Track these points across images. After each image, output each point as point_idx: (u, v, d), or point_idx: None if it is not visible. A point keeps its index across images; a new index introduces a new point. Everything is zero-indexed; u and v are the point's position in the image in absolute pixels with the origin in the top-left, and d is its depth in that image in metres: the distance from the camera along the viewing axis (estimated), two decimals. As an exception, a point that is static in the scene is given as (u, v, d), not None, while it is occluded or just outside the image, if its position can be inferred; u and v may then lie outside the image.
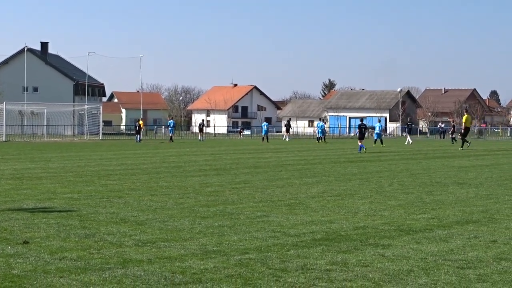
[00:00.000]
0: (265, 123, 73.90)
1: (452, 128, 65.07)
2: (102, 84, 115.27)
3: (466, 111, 48.54)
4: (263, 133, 68.79)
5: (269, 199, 15.71)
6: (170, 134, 67.51)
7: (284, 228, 11.58)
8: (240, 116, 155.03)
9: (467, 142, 45.62)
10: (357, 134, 43.82)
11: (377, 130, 53.83)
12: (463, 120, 45.71)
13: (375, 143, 52.06)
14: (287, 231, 11.29)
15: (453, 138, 61.86)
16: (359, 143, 41.54)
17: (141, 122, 70.11)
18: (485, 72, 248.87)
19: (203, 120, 76.58)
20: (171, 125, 69.00)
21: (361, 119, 45.89)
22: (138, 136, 65.16)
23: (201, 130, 70.41)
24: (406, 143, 57.65)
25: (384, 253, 9.58)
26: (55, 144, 55.46)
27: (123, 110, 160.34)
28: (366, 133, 44.51)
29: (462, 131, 46.22)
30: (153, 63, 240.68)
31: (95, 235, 10.82)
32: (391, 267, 8.75)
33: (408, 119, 77.95)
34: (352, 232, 11.30)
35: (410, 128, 65.24)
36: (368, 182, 20.14)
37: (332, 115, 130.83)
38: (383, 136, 60.72)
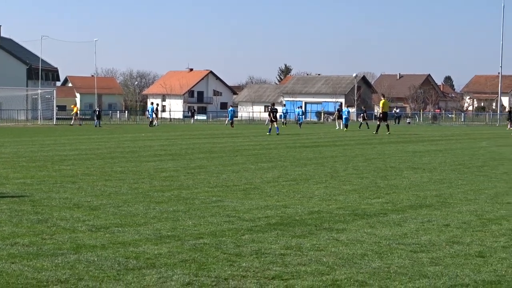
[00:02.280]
0: (231, 108, 73.61)
1: (363, 114, 65.59)
2: (56, 68, 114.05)
3: (383, 96, 49.17)
4: (229, 118, 68.78)
5: (224, 184, 15.68)
6: (150, 119, 67.45)
7: (239, 213, 11.57)
8: (196, 101, 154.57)
9: (387, 130, 45.61)
10: (268, 118, 47.09)
11: (345, 115, 55.56)
12: (380, 105, 46.77)
13: (347, 128, 53.19)
14: (242, 216, 11.28)
15: (366, 123, 62.16)
16: (270, 126, 44.91)
17: (73, 106, 70.70)
18: (439, 58, 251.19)
19: (157, 105, 76.28)
20: (150, 110, 68.88)
21: (272, 104, 49.48)
22: (99, 121, 65.59)
23: (156, 114, 70.24)
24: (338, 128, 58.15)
25: (339, 238, 9.61)
26: (8, 129, 54.79)
27: (78, 95, 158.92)
28: (284, 118, 46.49)
29: (380, 115, 46.87)
30: (108, 47, 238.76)
31: (47, 221, 10.70)
32: (345, 251, 8.78)
33: (362, 107, 78.12)
34: (307, 216, 11.33)
35: (365, 114, 65.66)
36: (323, 167, 20.20)
37: (288, 100, 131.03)
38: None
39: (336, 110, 66.73)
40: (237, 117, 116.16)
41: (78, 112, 70.94)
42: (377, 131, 45.94)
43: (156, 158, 23.38)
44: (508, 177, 17.74)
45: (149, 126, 64.15)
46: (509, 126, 63.03)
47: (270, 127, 45.19)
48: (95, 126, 64.35)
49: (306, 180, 16.66)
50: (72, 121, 69.52)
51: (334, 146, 31.22)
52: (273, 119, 45.42)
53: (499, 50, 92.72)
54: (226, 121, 70.75)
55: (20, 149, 27.81)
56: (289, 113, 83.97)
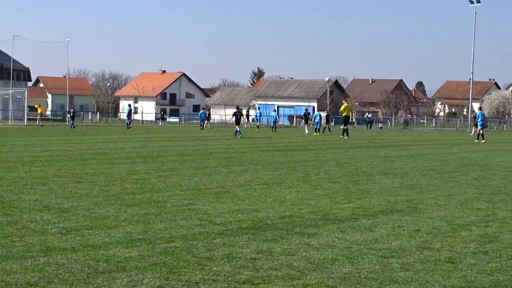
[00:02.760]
0: (202, 110, 73.89)
1: (326, 118, 66.20)
2: (28, 68, 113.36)
3: (345, 100, 49.40)
4: (200, 121, 69.08)
5: (196, 187, 15.66)
6: (128, 121, 67.16)
7: (210, 217, 11.55)
8: (169, 103, 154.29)
9: (346, 135, 45.83)
10: (234, 120, 48.47)
11: (317, 119, 56.20)
12: (342, 108, 46.83)
13: (320, 131, 53.55)
14: (214, 220, 11.26)
15: (329, 128, 62.95)
16: (236, 128, 45.79)
17: (37, 106, 70.57)
18: (411, 63, 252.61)
19: (162, 111, 76.76)
20: (127, 112, 68.54)
21: (237, 107, 50.98)
22: (73, 122, 65.85)
23: (162, 118, 70.70)
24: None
25: (310, 242, 9.62)
26: (-21, 129, 54.29)
27: (49, 96, 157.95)
28: (242, 119, 49.37)
29: (344, 119, 47.17)
30: (81, 48, 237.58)
31: (17, 223, 10.61)
32: (316, 255, 8.79)
33: (326, 111, 78.17)
34: (278, 221, 11.33)
35: (328, 118, 66.29)
36: (295, 171, 20.23)
37: (260, 104, 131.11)
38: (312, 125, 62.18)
39: (303, 114, 67.01)
40: (209, 119, 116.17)
41: (43, 112, 70.95)
42: (347, 135, 45.96)
43: (127, 160, 23.28)
44: (478, 183, 17.87)
45: (127, 128, 63.88)
46: (473, 132, 63.34)
47: (237, 129, 46.03)
48: (70, 127, 64.53)
49: (278, 184, 16.68)
50: (37, 121, 69.40)
51: (306, 150, 31.28)
52: (237, 122, 46.99)
53: (471, 56, 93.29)
54: (207, 124, 70.95)
55: (-10, 150, 27.57)
56: (262, 116, 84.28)
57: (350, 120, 49.30)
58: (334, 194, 14.98)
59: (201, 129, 65.36)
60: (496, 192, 15.89)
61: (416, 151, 32.08)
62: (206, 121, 70.22)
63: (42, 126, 67.23)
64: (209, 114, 67.35)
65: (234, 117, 47.84)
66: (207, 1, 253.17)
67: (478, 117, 48.33)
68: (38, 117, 70.46)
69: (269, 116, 76.70)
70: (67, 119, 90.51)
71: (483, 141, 45.11)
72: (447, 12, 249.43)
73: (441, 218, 11.95)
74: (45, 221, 10.84)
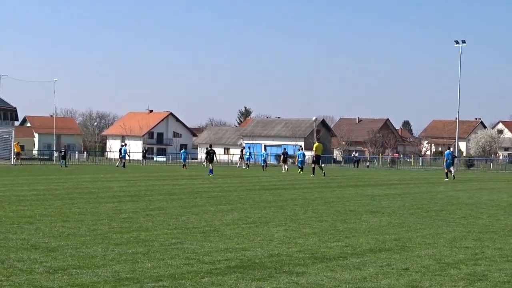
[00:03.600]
0: (183, 150, 74.68)
1: (283, 156, 67.03)
2: (15, 108, 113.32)
3: (318, 140, 50.66)
4: (182, 159, 69.58)
5: (184, 226, 15.61)
6: (123, 160, 67.27)
7: (198, 256, 11.51)
8: (156, 142, 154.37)
9: (312, 173, 47.50)
10: (207, 159, 50.09)
11: (300, 158, 56.40)
12: (314, 148, 48.51)
13: (301, 171, 53.53)
14: (202, 259, 11.22)
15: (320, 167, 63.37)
16: (210, 167, 47.38)
17: (14, 144, 70.30)
18: (398, 103, 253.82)
19: (144, 148, 76.37)
20: (123, 151, 68.37)
21: (210, 145, 52.93)
22: (64, 161, 65.99)
23: (144, 156, 70.43)
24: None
25: (298, 281, 9.59)
26: (-35, 169, 54.07)
27: (36, 135, 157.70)
28: (215, 158, 50.75)
29: (314, 159, 48.79)
30: (68, 87, 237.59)
31: (4, 262, 10.54)
32: (305, 294, 8.75)
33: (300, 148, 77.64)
34: (267, 259, 11.30)
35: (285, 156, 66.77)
36: (283, 210, 20.21)
37: (247, 143, 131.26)
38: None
39: (281, 153, 67.57)
40: (196, 159, 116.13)
41: (19, 151, 70.80)
42: (313, 173, 47.65)
43: (115, 199, 23.21)
44: (466, 221, 17.89)
45: (123, 167, 63.68)
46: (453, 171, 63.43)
47: (210, 168, 47.60)
48: (61, 166, 64.84)
49: (266, 223, 16.64)
50: (13, 160, 69.00)
51: (293, 189, 31.27)
52: (209, 160, 48.40)
53: (457, 96, 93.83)
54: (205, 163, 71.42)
55: (-24, 189, 27.45)
56: (252, 156, 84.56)
57: (322, 159, 49.91)
58: (322, 232, 14.95)
59: (184, 168, 65.50)
60: (484, 231, 15.90)
61: (404, 190, 32.12)
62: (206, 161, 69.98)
63: (21, 165, 66.48)
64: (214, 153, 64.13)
65: (207, 155, 49.55)
66: (193, 41, 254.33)
67: (446, 156, 48.97)
68: (16, 156, 69.63)
69: (256, 155, 77.38)
70: (54, 158, 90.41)
71: (446, 179, 45.66)
72: (433, 52, 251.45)
73: (429, 256, 11.95)
74: (32, 260, 10.77)
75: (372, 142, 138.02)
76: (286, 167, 64.17)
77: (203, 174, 48.71)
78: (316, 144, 48.25)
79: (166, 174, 47.98)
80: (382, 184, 38.05)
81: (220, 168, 69.17)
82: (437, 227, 16.55)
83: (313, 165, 48.75)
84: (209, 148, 50.69)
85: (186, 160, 71.19)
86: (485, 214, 20.28)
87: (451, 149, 52.91)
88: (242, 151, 78.09)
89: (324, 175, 47.09)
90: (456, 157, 70.40)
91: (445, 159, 49.33)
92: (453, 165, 65.15)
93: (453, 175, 47.31)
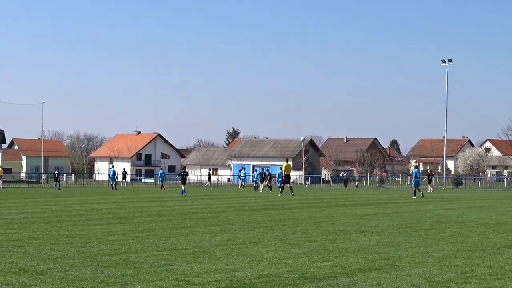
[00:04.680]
0: (161, 171, 75.52)
1: (269, 176, 67.58)
2: (2, 130, 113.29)
3: (287, 160, 52.52)
4: (160, 181, 70.30)
5: (173, 248, 15.56)
6: (112, 182, 67.34)
7: (188, 277, 11.48)
8: (144, 164, 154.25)
9: (291, 191, 49.75)
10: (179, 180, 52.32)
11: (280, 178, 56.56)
12: (283, 168, 50.27)
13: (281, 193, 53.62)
14: (191, 280, 11.19)
15: (269, 186, 64.70)
16: (182, 187, 48.77)
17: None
18: (385, 122, 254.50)
19: (124, 169, 76.37)
20: (112, 173, 68.45)
21: (184, 167, 53.62)
22: (57, 183, 66.56)
23: (124, 177, 70.59)
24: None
25: (289, 301, 9.57)
26: (-48, 192, 53.83)
27: (24, 158, 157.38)
28: (187, 179, 51.49)
29: (283, 178, 50.47)
30: (55, 110, 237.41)
31: (-7, 286, 10.49)
32: (296, 315, 8.74)
33: (267, 169, 77.50)
34: (257, 280, 11.27)
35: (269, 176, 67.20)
36: (272, 230, 20.18)
37: (236, 163, 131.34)
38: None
39: (259, 173, 68.09)
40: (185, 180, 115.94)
41: (1, 174, 71.29)
42: (281, 192, 49.51)
43: (103, 221, 23.14)
44: (455, 240, 17.91)
45: (112, 189, 63.89)
46: (428, 190, 64.10)
47: (183, 188, 48.99)
48: (55, 188, 65.56)
49: (255, 244, 16.62)
50: (58, 184, 69.01)
51: (282, 209, 31.25)
52: (182, 181, 49.62)
53: (444, 115, 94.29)
54: (207, 184, 72.32)
55: (-36, 213, 27.33)
56: (247, 177, 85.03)
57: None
58: (312, 252, 14.94)
59: (161, 189, 65.84)
60: (474, 249, 15.92)
61: (392, 209, 32.15)
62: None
63: (2, 188, 66.90)
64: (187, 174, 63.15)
65: (179, 176, 51.39)
66: (180, 61, 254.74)
67: (414, 174, 50.21)
68: (59, 180, 70.12)
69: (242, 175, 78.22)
70: (42, 180, 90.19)
71: (414, 197, 46.41)
72: (419, 71, 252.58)
73: (419, 275, 11.95)
74: (21, 283, 10.72)
75: (360, 162, 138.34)
76: (262, 186, 65.46)
77: (191, 195, 48.63)
78: (285, 164, 49.87)
79: (154, 196, 47.89)
80: (371, 203, 38.07)
81: (208, 189, 69.09)
82: (427, 245, 16.56)
83: (282, 185, 50.70)
84: (182, 170, 53.03)
85: (164, 181, 71.79)
86: (474, 232, 20.31)
87: (419, 167, 54.79)
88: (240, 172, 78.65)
89: (293, 195, 48.40)
90: (432, 175, 71.37)
91: (413, 177, 50.78)
92: (430, 183, 66.14)
93: (422, 193, 48.28)
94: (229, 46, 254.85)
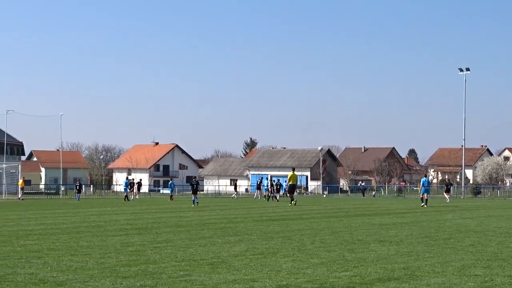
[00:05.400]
0: (171, 181, 75.79)
1: (271, 187, 68.75)
2: (21, 142, 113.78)
3: (293, 170, 52.68)
4: (170, 192, 70.44)
5: (192, 258, 15.58)
6: (125, 193, 67.93)
7: (206, 287, 11.48)
8: (162, 174, 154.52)
9: (293, 200, 49.45)
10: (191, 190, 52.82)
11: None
12: (288, 177, 50.68)
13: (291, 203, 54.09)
14: (210, 290, 11.19)
15: (274, 196, 65.66)
16: (193, 197, 50.84)
17: (21, 181, 71.72)
18: (403, 131, 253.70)
19: (133, 179, 76.20)
20: (125, 184, 69.19)
21: (194, 177, 57.31)
22: (78, 195, 67.59)
23: (138, 189, 70.80)
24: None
25: (308, 311, 9.56)
26: (-28, 204, 54.12)
27: (43, 169, 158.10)
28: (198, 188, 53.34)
29: (289, 188, 51.27)
30: (74, 121, 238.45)
31: (12, 297, 10.53)
32: (315, 325, 8.72)
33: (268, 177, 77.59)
34: (275, 290, 11.26)
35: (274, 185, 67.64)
36: (290, 240, 20.16)
37: (253, 174, 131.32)
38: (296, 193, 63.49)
39: (257, 181, 69.06)
40: (202, 190, 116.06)
41: (23, 186, 72.38)
42: (291, 202, 49.19)
43: (122, 232, 23.20)
44: (475, 249, 17.83)
45: (124, 200, 64.33)
46: (447, 199, 64.22)
47: (193, 198, 50.84)
48: (78, 200, 66.87)
49: (274, 254, 16.60)
50: (19, 195, 70.17)
51: (300, 219, 31.21)
52: (193, 191, 51.36)
53: (462, 124, 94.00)
54: (234, 195, 73.06)
55: (-16, 224, 27.48)
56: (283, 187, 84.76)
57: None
58: (331, 262, 14.91)
59: (170, 200, 66.37)
60: (493, 258, 15.84)
61: (411, 219, 32.03)
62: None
63: (23, 199, 67.99)
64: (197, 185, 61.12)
65: (190, 186, 53.17)
66: (198, 73, 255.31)
67: (423, 183, 51.18)
68: (20, 191, 71.21)
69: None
70: (60, 192, 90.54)
71: (423, 204, 47.86)
72: (437, 80, 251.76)
73: (438, 285, 11.90)
74: (40, 294, 10.76)
75: (378, 171, 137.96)
76: (259, 195, 68.24)
77: (210, 206, 48.67)
78: (290, 174, 50.36)
79: (172, 207, 47.94)
80: (389, 213, 37.95)
81: (227, 200, 69.13)
82: (446, 255, 16.50)
83: (288, 194, 51.49)
84: (193, 180, 54.23)
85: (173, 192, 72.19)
86: (493, 241, 20.20)
87: (428, 176, 55.44)
88: (259, 183, 78.07)
89: (295, 204, 48.45)
90: (451, 184, 71.55)
91: (420, 186, 52.14)
92: (448, 192, 66.33)
93: (425, 202, 49.10)
94: (246, 57, 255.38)
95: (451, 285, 11.91)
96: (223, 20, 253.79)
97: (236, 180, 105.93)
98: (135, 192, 71.17)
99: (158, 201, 63.91)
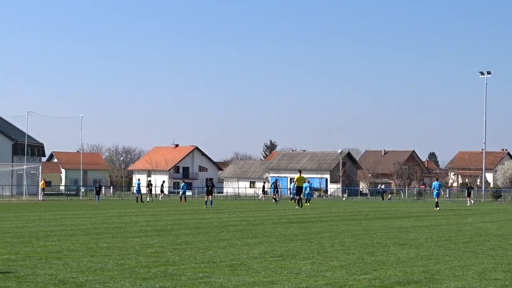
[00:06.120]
0: (183, 183, 76.21)
1: (275, 189, 69.58)
2: (42, 144, 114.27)
3: (300, 172, 53.20)
4: (181, 193, 70.48)
5: (211, 260, 15.60)
6: (137, 195, 68.30)
7: (226, 289, 11.49)
8: (182, 176, 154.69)
9: (299, 204, 50.30)
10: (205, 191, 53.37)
11: (307, 190, 57.64)
12: (295, 179, 51.75)
13: (306, 202, 54.67)
14: (229, 292, 11.20)
15: (275, 199, 66.79)
16: (206, 199, 51.86)
17: (42, 182, 72.28)
18: (423, 135, 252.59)
19: (150, 180, 75.98)
20: (137, 186, 69.62)
21: (209, 179, 58.59)
22: (98, 196, 69.33)
23: (150, 190, 70.50)
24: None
25: (327, 314, 9.55)
26: (-7, 205, 54.45)
27: (63, 171, 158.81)
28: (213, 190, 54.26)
29: (296, 190, 52.03)
30: (94, 123, 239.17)
31: (33, 297, 10.58)
32: (334, 328, 8.71)
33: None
34: (294, 293, 11.25)
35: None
36: (309, 243, 20.14)
37: (273, 176, 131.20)
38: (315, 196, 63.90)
39: (272, 184, 70.17)
40: (221, 192, 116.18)
41: (44, 187, 73.11)
42: (299, 205, 50.09)
43: (142, 233, 23.26)
44: (495, 253, 17.74)
45: (136, 202, 64.66)
46: (468, 203, 64.09)
47: (206, 199, 51.71)
48: (98, 201, 67.08)
49: (293, 256, 16.59)
50: (40, 196, 70.80)
51: (320, 222, 31.18)
52: (208, 193, 52.05)
53: (483, 127, 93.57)
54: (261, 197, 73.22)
55: (4, 225, 27.65)
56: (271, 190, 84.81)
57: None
58: (350, 265, 14.88)
59: (182, 201, 66.83)
60: (513, 262, 15.76)
61: (431, 222, 31.92)
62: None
63: (43, 200, 68.57)
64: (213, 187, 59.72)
65: (205, 188, 53.27)
66: (218, 75, 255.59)
67: (434, 187, 51.58)
68: (42, 192, 71.94)
69: (282, 188, 78.56)
70: (80, 193, 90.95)
71: (437, 208, 48.03)
72: (458, 83, 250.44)
73: (458, 288, 11.85)
74: (60, 295, 10.81)
75: (398, 174, 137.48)
76: (263, 197, 70.50)
77: (229, 208, 48.71)
78: (297, 176, 50.96)
79: (192, 209, 48.00)
80: (409, 216, 37.84)
81: (246, 202, 69.15)
82: (466, 259, 16.43)
83: (297, 197, 51.76)
84: (208, 182, 54.96)
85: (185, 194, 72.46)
86: (514, 245, 20.10)
87: (439, 180, 56.09)
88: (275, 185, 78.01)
89: (301, 206, 49.49)
90: (472, 188, 71.60)
91: (432, 190, 52.73)
92: (470, 196, 66.34)
93: (437, 204, 49.29)
94: (267, 60, 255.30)
95: (471, 289, 11.85)
96: (245, 23, 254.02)
97: (265, 182, 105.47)
98: (153, 194, 71.08)
99: (176, 203, 64.00)
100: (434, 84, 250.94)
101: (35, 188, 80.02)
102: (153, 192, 72.94)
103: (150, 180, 75.77)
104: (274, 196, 66.79)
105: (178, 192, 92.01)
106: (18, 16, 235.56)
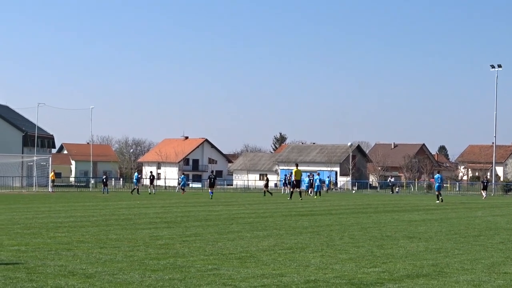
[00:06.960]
0: (183, 175, 76.73)
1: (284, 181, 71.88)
2: (52, 135, 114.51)
3: (297, 166, 53.65)
4: (182, 185, 70.93)
5: (220, 252, 15.61)
6: (135, 186, 68.36)
7: (235, 281, 11.50)
8: (191, 169, 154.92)
9: (291, 196, 52.12)
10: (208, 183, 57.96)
11: (317, 183, 58.20)
12: (293, 173, 52.57)
13: (316, 195, 55.09)
14: (238, 285, 11.21)
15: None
16: (209, 191, 53.97)
17: (52, 174, 72.56)
18: (433, 128, 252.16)
19: (151, 172, 75.57)
20: (135, 177, 69.91)
21: (212, 171, 63.05)
22: (106, 188, 69.46)
23: (151, 182, 69.88)
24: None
25: (336, 307, 9.54)
26: (3, 196, 54.66)
27: (73, 162, 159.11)
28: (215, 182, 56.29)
29: (293, 183, 52.88)
30: (104, 115, 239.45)
31: (42, 288, 10.61)
32: (343, 320, 8.71)
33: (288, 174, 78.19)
34: (303, 285, 11.26)
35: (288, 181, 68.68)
36: (319, 236, 20.14)
37: (283, 169, 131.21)
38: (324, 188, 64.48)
39: (285, 176, 71.52)
40: (231, 185, 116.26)
41: (54, 179, 73.41)
42: (290, 197, 51.96)
43: (151, 225, 23.30)
44: (505, 247, 17.71)
45: (131, 193, 64.89)
46: (484, 195, 64.29)
47: (209, 191, 54.06)
48: (103, 193, 67.15)
49: (302, 249, 16.60)
50: (50, 188, 71.13)
51: (329, 214, 31.17)
52: (210, 185, 54.49)
53: (493, 120, 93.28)
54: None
55: (15, 216, 27.73)
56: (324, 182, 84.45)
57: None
58: (359, 258, 14.88)
59: (182, 193, 67.41)
60: (523, 256, 15.72)
61: (441, 215, 31.88)
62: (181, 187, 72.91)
63: (53, 192, 68.86)
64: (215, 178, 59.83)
65: (208, 180, 55.58)
66: (228, 67, 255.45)
67: (436, 180, 52.01)
68: (51, 183, 72.30)
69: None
70: (90, 185, 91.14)
71: (437, 201, 48.68)
72: (468, 77, 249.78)
73: (468, 282, 11.84)
74: (70, 286, 10.84)
75: (408, 168, 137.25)
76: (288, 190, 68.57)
77: (239, 200, 48.71)
78: (295, 169, 51.64)
79: (201, 201, 48.05)
80: (418, 209, 37.80)
81: (256, 194, 69.15)
82: (475, 252, 16.40)
83: (291, 190, 53.30)
84: (210, 174, 57.01)
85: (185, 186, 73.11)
86: (524, 239, 20.05)
87: (441, 173, 57.21)
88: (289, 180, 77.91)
89: (302, 199, 50.38)
90: (487, 182, 71.61)
91: (434, 182, 53.34)
92: (485, 189, 66.40)
93: (441, 199, 49.82)
94: (277, 53, 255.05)
95: (480, 282, 11.84)
96: (254, 17, 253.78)
97: (267, 180, 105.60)
98: (152, 185, 70.06)
99: (187, 195, 64.06)
100: (444, 77, 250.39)
101: (45, 180, 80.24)
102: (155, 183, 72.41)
103: (152, 172, 75.57)
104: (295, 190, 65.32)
105: (188, 184, 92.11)
106: (29, 7, 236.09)
